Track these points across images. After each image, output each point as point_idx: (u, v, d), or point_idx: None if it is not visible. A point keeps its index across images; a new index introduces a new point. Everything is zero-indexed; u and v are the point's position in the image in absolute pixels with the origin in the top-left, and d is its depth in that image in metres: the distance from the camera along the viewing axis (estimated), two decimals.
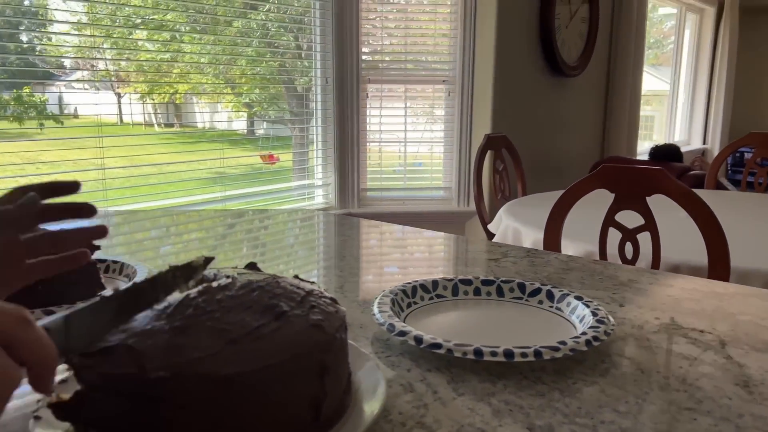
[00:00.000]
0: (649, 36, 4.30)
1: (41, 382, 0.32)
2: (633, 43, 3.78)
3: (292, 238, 1.21)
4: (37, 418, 0.45)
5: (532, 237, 1.85)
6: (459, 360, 0.60)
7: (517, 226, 1.95)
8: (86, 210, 0.58)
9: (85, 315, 0.37)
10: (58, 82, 2.86)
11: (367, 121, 3.08)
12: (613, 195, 1.52)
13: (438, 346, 0.59)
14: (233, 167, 3.01)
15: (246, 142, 3.78)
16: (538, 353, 0.57)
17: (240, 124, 3.79)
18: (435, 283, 0.78)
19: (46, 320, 0.34)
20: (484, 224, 2.47)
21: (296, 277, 0.54)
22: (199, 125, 4.04)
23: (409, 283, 0.77)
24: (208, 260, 0.48)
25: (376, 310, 0.68)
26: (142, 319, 0.44)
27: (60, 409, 0.43)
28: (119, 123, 3.27)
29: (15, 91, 2.53)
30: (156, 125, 3.88)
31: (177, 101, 3.46)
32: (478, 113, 3.01)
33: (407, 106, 3.14)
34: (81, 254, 0.57)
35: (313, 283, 0.54)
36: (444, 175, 3.19)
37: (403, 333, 0.61)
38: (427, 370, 0.58)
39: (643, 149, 4.57)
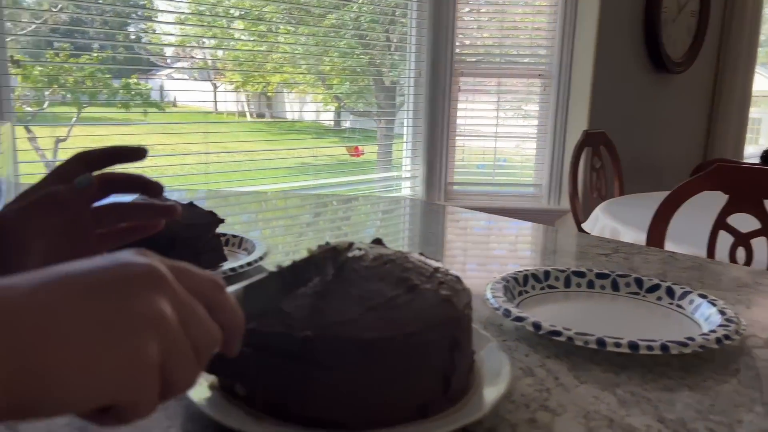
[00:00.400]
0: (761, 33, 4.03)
1: (231, 344, 0.34)
2: (746, 40, 3.56)
3: (382, 223, 1.22)
4: None
5: (631, 237, 1.78)
6: (578, 349, 0.59)
7: (616, 225, 1.89)
8: (154, 187, 0.55)
9: (259, 287, 0.39)
10: (159, 72, 3.02)
11: (458, 114, 3.07)
12: (726, 196, 1.44)
13: (558, 333, 0.58)
14: (320, 158, 3.08)
15: (332, 134, 3.85)
16: (665, 347, 0.55)
17: (327, 116, 3.86)
18: (547, 273, 0.77)
19: (229, 289, 0.37)
20: (578, 223, 2.40)
21: (421, 254, 0.55)
22: (289, 116, 4.15)
23: (520, 271, 0.76)
24: (351, 245, 0.50)
25: (489, 294, 0.67)
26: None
27: (208, 362, 0.46)
28: (215, 111, 3.40)
29: (123, 79, 2.70)
30: (248, 115, 4.01)
31: (269, 93, 3.57)
32: (574, 109, 2.92)
33: (499, 100, 3.10)
34: (152, 225, 0.56)
35: (437, 261, 0.55)
36: (535, 171, 3.13)
37: (520, 318, 0.61)
38: (546, 356, 0.58)
39: (748, 153, 4.30)
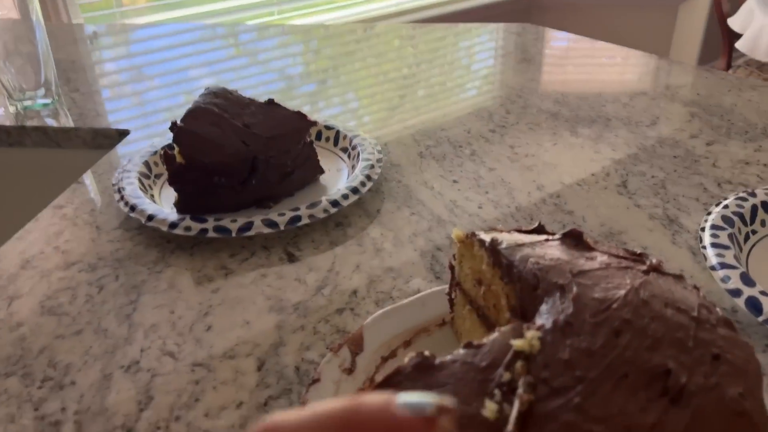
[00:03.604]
0: None
1: None
2: None
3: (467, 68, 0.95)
4: None
5: None
6: None
7: None
8: None
9: None
10: None
11: None
12: None
13: None
14: None
15: None
16: None
17: None
18: None
19: None
20: (721, 16, 1.96)
21: (656, 266, 0.33)
22: None
23: (745, 198, 0.52)
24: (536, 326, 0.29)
25: (713, 257, 0.46)
26: (455, 387, 0.27)
27: None
28: None
29: None
30: None
31: None
32: None
33: None
34: None
35: (679, 279, 0.33)
36: None
37: None
38: None
39: None
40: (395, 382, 0.28)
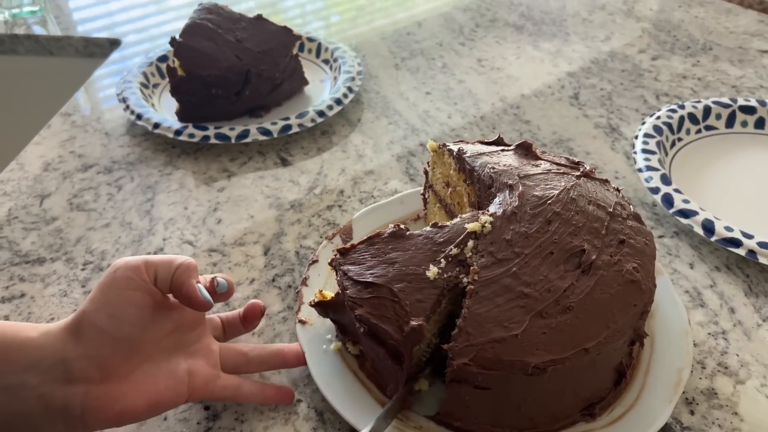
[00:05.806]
0: None
1: None
2: None
3: None
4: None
5: None
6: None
7: None
8: None
9: None
10: None
11: None
12: None
13: (736, 243, 0.48)
14: None
15: None
16: None
17: None
18: (707, 110, 0.62)
19: None
20: None
21: (586, 171, 0.42)
22: None
23: (675, 110, 0.61)
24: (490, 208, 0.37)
25: (641, 161, 0.55)
26: (414, 254, 0.37)
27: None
28: None
29: None
30: None
31: None
32: None
33: None
34: None
35: (604, 182, 0.42)
36: None
37: (685, 214, 0.50)
38: (715, 268, 0.49)
39: None
40: (374, 241, 0.38)
